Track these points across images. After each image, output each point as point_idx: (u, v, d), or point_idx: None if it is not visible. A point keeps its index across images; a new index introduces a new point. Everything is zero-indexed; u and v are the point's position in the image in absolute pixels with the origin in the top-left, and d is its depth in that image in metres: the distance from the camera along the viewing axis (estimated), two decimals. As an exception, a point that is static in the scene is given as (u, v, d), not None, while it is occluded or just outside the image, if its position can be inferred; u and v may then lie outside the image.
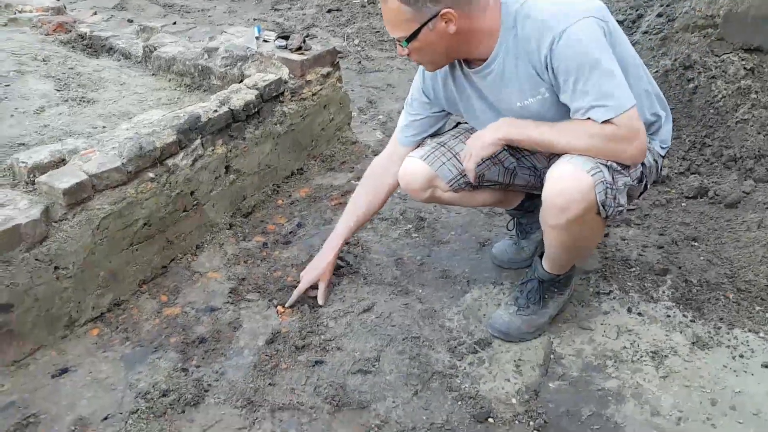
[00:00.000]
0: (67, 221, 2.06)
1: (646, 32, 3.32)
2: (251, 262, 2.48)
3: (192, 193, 2.49)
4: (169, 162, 2.37)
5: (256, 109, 2.75)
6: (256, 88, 2.77)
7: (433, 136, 2.15)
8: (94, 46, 3.49)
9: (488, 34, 1.77)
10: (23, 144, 2.45)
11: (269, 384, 1.94)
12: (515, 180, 2.14)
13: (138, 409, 1.85)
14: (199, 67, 3.06)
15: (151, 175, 2.30)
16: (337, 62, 3.23)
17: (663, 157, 2.04)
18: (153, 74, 3.22)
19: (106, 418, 1.83)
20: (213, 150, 2.57)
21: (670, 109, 2.03)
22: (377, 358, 2.02)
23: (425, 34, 1.74)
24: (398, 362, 2.01)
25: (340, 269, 2.40)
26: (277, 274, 2.41)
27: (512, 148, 2.04)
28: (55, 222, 2.04)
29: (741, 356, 1.99)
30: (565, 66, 1.67)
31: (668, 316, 2.16)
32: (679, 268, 2.35)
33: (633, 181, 1.86)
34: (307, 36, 3.14)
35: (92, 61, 3.32)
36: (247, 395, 1.90)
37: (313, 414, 1.84)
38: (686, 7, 3.10)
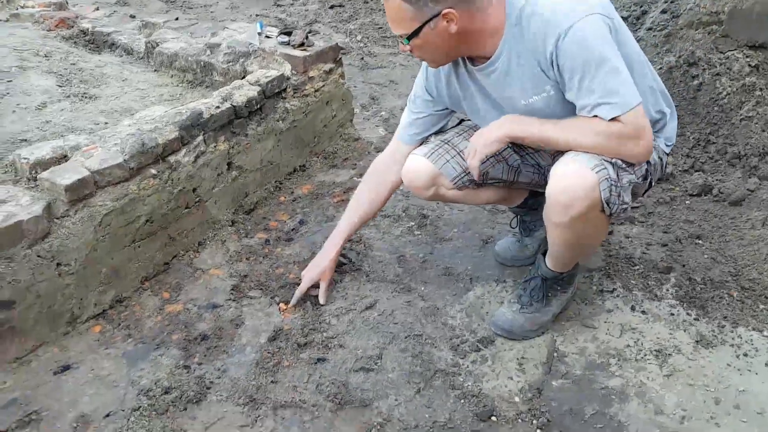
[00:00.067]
0: (69, 218, 2.06)
1: (650, 29, 3.31)
2: (253, 259, 2.47)
3: (194, 189, 2.48)
4: (172, 158, 2.37)
5: (258, 106, 2.74)
6: (259, 85, 2.76)
7: (436, 133, 2.14)
8: (96, 42, 3.48)
9: (491, 32, 1.76)
10: (25, 140, 2.45)
11: (271, 381, 1.93)
12: (519, 177, 2.13)
13: (140, 407, 1.85)
14: (202, 63, 3.05)
15: (153, 171, 2.29)
16: (340, 58, 3.22)
17: (667, 154, 2.03)
18: (155, 70, 3.21)
19: (108, 415, 1.83)
20: (215, 146, 2.56)
21: (675, 106, 2.01)
22: (380, 356, 2.02)
23: (426, 32, 1.74)
24: (401, 360, 2.01)
25: (343, 266, 2.40)
26: (279, 271, 2.41)
27: (516, 146, 2.03)
28: (57, 218, 2.04)
29: (745, 355, 1.98)
30: (571, 63, 1.66)
31: (672, 314, 2.15)
32: (683, 266, 2.34)
33: (638, 179, 1.85)
34: (309, 32, 3.13)
35: (94, 56, 3.31)
36: (249, 393, 1.89)
37: (315, 412, 1.84)
38: (690, 3, 3.08)
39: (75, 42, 3.45)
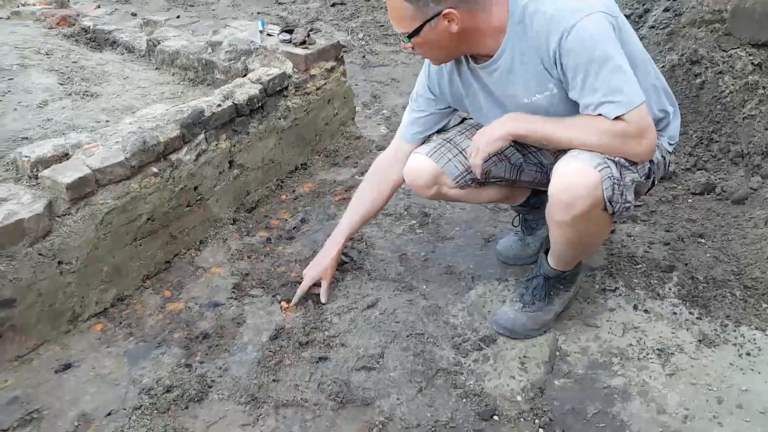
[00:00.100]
0: (71, 216, 2.06)
1: (652, 27, 3.30)
2: (255, 258, 2.47)
3: (196, 188, 2.48)
4: (173, 157, 2.36)
5: (259, 104, 2.73)
6: (260, 83, 2.76)
7: (438, 132, 2.14)
8: (98, 40, 3.48)
9: (494, 31, 1.75)
10: (26, 138, 2.44)
11: (273, 380, 1.93)
12: (521, 176, 2.12)
13: (141, 405, 1.84)
14: (203, 61, 3.05)
15: (154, 169, 2.29)
16: (341, 56, 3.21)
17: (670, 153, 2.02)
18: (156, 68, 3.20)
19: (109, 414, 1.83)
20: (217, 145, 2.56)
21: (677, 104, 2.01)
22: (381, 355, 2.01)
23: (427, 31, 1.73)
24: (402, 359, 2.00)
25: (344, 265, 2.39)
26: (280, 269, 2.40)
27: (519, 144, 2.02)
28: (59, 217, 2.04)
29: (748, 354, 1.98)
30: (574, 62, 1.65)
31: (674, 313, 2.15)
32: (686, 265, 2.34)
33: (640, 178, 1.84)
34: (311, 30, 3.13)
35: (95, 54, 3.31)
36: (251, 391, 1.89)
37: (316, 411, 1.84)
38: (693, 1, 3.07)
39: (76, 40, 3.44)
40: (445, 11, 1.69)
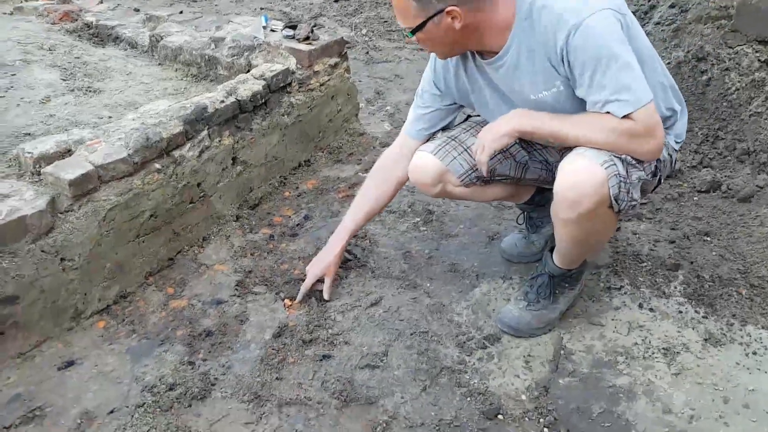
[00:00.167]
0: (73, 212, 2.05)
1: (658, 23, 3.28)
2: (258, 255, 2.46)
3: (199, 184, 2.47)
4: (176, 153, 2.35)
5: (263, 100, 2.72)
6: (263, 79, 2.75)
7: (443, 129, 2.12)
8: (101, 35, 3.46)
9: (500, 27, 1.74)
10: (29, 134, 2.43)
11: (276, 378, 1.92)
12: (527, 174, 2.11)
13: (144, 403, 1.83)
14: (206, 56, 3.03)
15: (157, 166, 2.28)
16: (345, 52, 3.20)
17: (677, 151, 2.01)
18: (159, 64, 3.19)
19: (112, 412, 1.82)
20: (220, 141, 2.54)
21: (684, 102, 1.99)
22: (385, 353, 2.00)
23: (431, 27, 1.73)
24: (406, 357, 1.99)
25: (348, 262, 2.38)
26: (284, 266, 2.39)
27: (524, 142, 2.01)
28: (61, 213, 2.03)
29: (754, 353, 1.97)
30: (582, 59, 1.64)
31: (680, 312, 2.13)
32: (691, 263, 2.32)
33: (647, 176, 1.83)
34: (314, 26, 3.11)
35: (98, 50, 3.30)
36: (254, 389, 1.88)
37: (320, 409, 1.83)
38: (699, -3, 3.06)
39: (79, 35, 3.43)
40: (448, 8, 1.68)
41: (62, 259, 2.02)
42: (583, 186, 1.72)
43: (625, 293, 2.22)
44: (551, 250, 2.07)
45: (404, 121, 2.21)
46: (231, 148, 2.60)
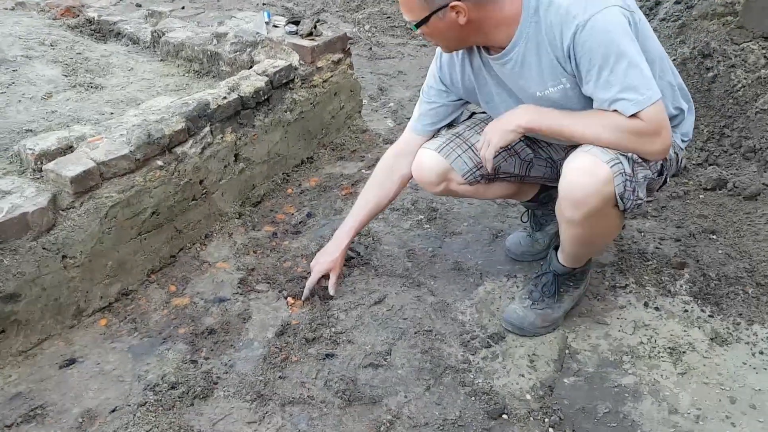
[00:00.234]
0: (75, 210, 2.03)
1: (663, 19, 3.26)
2: (260, 252, 2.44)
3: (201, 181, 2.45)
4: (178, 150, 2.34)
5: (265, 97, 2.70)
6: (266, 75, 2.73)
7: (448, 126, 2.10)
8: (102, 31, 3.45)
9: (506, 23, 1.72)
10: (30, 130, 2.42)
11: (279, 377, 1.91)
12: (531, 172, 2.09)
13: (146, 402, 1.82)
14: (208, 52, 3.01)
15: (159, 163, 2.26)
16: (348, 48, 3.18)
17: (683, 150, 1.99)
18: (161, 60, 3.17)
19: (113, 411, 1.81)
20: (222, 138, 2.53)
21: (692, 101, 1.97)
22: (389, 352, 1.99)
23: (435, 22, 1.72)
24: (410, 356, 1.98)
25: (351, 260, 2.37)
26: (286, 264, 2.38)
27: (529, 139, 1.99)
28: (63, 210, 2.01)
29: (761, 353, 1.95)
30: (589, 56, 1.62)
31: (686, 311, 2.12)
32: (697, 261, 2.31)
33: (653, 174, 1.81)
34: (317, 21, 3.09)
35: (100, 46, 3.28)
36: (257, 388, 1.87)
37: (323, 408, 1.81)
38: (705, -7, 3.03)
39: (81, 31, 3.41)
40: (453, 3, 1.67)
41: (64, 257, 2.01)
42: (588, 185, 1.70)
43: (631, 292, 2.20)
44: (556, 249, 2.05)
45: (407, 118, 2.20)
46: (233, 144, 2.58)
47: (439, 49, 1.97)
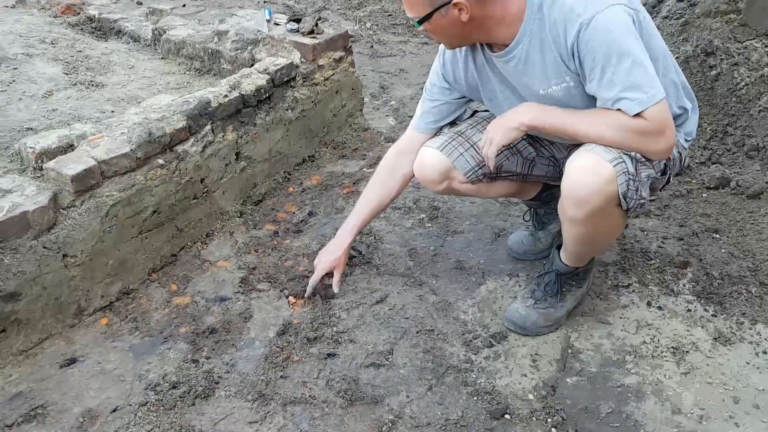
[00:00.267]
0: (76, 208, 2.03)
1: (666, 17, 3.24)
2: (262, 251, 2.44)
3: (202, 180, 2.44)
4: (179, 148, 2.33)
5: (267, 95, 2.69)
6: (267, 73, 2.72)
7: (450, 124, 2.09)
8: (103, 29, 3.44)
9: (509, 20, 1.71)
10: (31, 128, 2.41)
11: (281, 377, 1.90)
12: (533, 170, 2.08)
13: (147, 401, 1.82)
14: (209, 50, 3.00)
15: (160, 161, 2.25)
16: (350, 46, 3.17)
17: (686, 149, 1.98)
18: (162, 58, 3.16)
19: (114, 410, 1.80)
20: (223, 136, 2.52)
21: (695, 100, 1.96)
22: (390, 352, 1.98)
23: (437, 18, 1.71)
24: (412, 356, 1.97)
25: (353, 259, 2.36)
26: (288, 263, 2.37)
27: (531, 138, 1.98)
28: (63, 209, 2.01)
29: (764, 352, 1.94)
30: (592, 54, 1.61)
31: (689, 310, 2.11)
32: (700, 260, 2.30)
33: (656, 173, 1.80)
34: (319, 19, 3.08)
35: (101, 44, 3.27)
36: (259, 388, 1.86)
37: (325, 408, 1.81)
38: (708, -9, 3.02)
39: (81, 29, 3.40)
40: (455, 0, 1.65)
41: (64, 256, 2.00)
42: (591, 183, 1.70)
43: (633, 291, 2.20)
44: (558, 248, 2.05)
45: (409, 116, 2.19)
46: (234, 143, 2.58)
47: (442, 47, 1.96)
